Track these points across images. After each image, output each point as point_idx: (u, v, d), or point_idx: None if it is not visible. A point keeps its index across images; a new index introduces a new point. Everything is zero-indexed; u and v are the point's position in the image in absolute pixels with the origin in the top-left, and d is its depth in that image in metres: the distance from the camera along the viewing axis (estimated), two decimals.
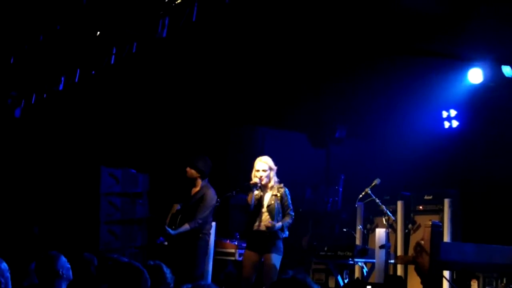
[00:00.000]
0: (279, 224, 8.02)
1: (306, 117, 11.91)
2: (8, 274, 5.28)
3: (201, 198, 8.62)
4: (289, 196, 8.20)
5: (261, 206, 8.18)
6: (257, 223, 8.16)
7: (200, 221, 8.50)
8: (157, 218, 9.71)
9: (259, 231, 8.12)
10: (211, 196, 8.64)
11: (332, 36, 9.16)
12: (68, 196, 10.24)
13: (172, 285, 5.28)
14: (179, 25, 7.41)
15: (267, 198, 8.19)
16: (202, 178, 8.74)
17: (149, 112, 11.07)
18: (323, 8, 8.51)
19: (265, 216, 8.15)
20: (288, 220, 8.13)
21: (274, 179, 8.24)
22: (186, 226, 8.48)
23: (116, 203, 10.14)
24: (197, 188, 8.74)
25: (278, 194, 8.14)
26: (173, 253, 8.75)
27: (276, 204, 8.11)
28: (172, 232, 8.45)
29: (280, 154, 11.44)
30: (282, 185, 8.23)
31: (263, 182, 8.17)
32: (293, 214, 8.19)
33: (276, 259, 8.02)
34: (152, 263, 5.36)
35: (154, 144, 11.08)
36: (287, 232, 8.14)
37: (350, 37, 9.16)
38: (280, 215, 8.14)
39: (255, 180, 8.14)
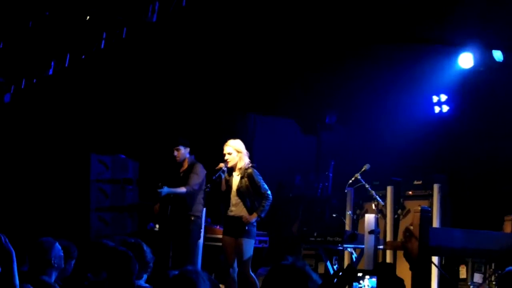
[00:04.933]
0: (253, 218, 8.05)
1: (297, 103, 11.90)
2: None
3: (190, 169, 8.72)
4: (259, 176, 8.18)
5: (230, 189, 8.22)
6: (229, 208, 8.21)
7: (195, 187, 8.62)
8: (147, 204, 9.73)
9: (232, 217, 8.17)
10: (200, 167, 8.82)
11: (322, 23, 9.13)
12: (57, 183, 10.21)
13: (151, 264, 5.26)
14: (169, 10, 7.39)
15: (236, 181, 8.21)
16: (190, 153, 8.84)
17: (139, 98, 11.04)
18: None
19: (236, 200, 8.18)
20: (264, 203, 8.12)
21: (244, 161, 8.24)
22: (182, 189, 8.57)
23: (106, 190, 10.13)
24: (185, 167, 8.85)
25: (245, 175, 8.16)
26: (164, 239, 8.79)
27: (245, 187, 8.14)
28: (164, 190, 8.47)
29: (271, 140, 11.50)
30: (250, 166, 8.23)
31: (228, 165, 8.20)
32: (269, 193, 8.17)
33: (248, 243, 8.08)
34: (132, 240, 5.35)
35: (144, 130, 11.05)
36: (263, 214, 8.16)
37: (340, 24, 9.14)
38: (253, 197, 8.14)
39: (220, 165, 8.17)
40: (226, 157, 8.21)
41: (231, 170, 8.25)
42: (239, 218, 8.10)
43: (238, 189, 8.17)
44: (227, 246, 8.21)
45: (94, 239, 9.41)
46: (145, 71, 10.62)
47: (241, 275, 8.11)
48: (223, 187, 8.27)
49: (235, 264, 8.18)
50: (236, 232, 8.11)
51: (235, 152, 8.21)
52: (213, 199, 9.34)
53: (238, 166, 8.23)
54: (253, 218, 8.06)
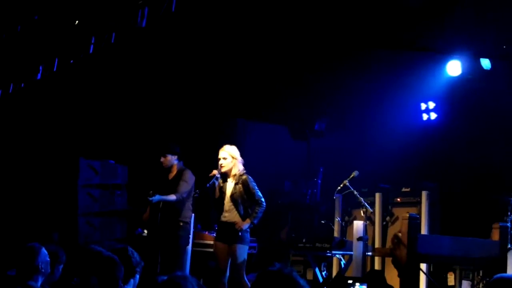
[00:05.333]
0: (246, 224, 8.05)
1: (287, 109, 11.91)
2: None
3: (179, 176, 8.73)
4: (253, 183, 8.17)
5: (223, 196, 8.21)
6: (222, 214, 8.20)
7: (184, 195, 8.65)
8: (136, 209, 9.70)
9: (225, 222, 8.16)
10: (189, 174, 8.84)
11: (312, 30, 9.15)
12: (46, 187, 10.17)
13: (137, 269, 5.22)
14: (158, 15, 7.39)
15: (229, 188, 8.21)
16: (178, 159, 8.89)
17: (129, 103, 11.01)
18: (301, 3, 8.51)
19: (229, 206, 8.17)
20: (258, 210, 8.11)
21: (238, 168, 8.22)
22: (172, 197, 8.59)
23: (95, 195, 10.10)
24: (174, 173, 8.85)
25: (240, 182, 8.15)
26: (153, 244, 8.78)
27: (239, 193, 8.13)
28: (155, 198, 8.47)
29: (261, 146, 11.50)
30: (244, 172, 8.23)
31: (222, 170, 8.19)
32: (262, 200, 8.16)
33: (242, 249, 8.06)
34: (119, 246, 5.32)
35: (133, 135, 11.03)
36: (256, 221, 8.15)
37: (330, 31, 9.15)
38: (246, 203, 8.14)
39: (213, 172, 8.17)
40: (220, 162, 8.19)
41: (224, 176, 8.24)
42: (232, 224, 8.08)
43: (231, 195, 8.15)
44: (219, 251, 8.19)
45: (83, 244, 9.38)
46: (135, 76, 10.60)
47: (235, 281, 8.12)
48: (217, 194, 8.26)
49: (227, 270, 8.17)
50: (229, 238, 8.09)
51: (230, 158, 8.20)
52: (203, 205, 9.32)
53: (233, 172, 8.21)
54: (246, 224, 8.05)
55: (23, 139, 10.44)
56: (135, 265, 5.19)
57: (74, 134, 10.63)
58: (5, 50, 8.56)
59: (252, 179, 8.20)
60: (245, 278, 8.06)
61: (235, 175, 8.20)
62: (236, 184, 8.17)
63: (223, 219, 8.20)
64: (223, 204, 8.20)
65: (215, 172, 8.17)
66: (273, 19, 8.89)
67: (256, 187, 8.17)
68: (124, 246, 5.31)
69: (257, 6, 8.58)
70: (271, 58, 10.20)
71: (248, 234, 8.16)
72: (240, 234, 8.02)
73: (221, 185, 8.23)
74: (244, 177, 8.17)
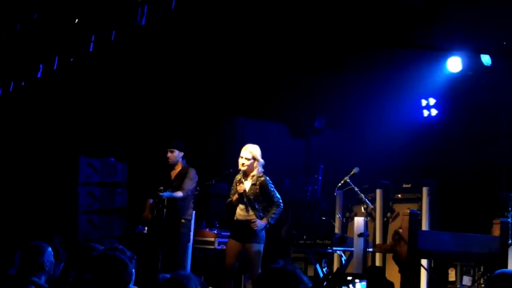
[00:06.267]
0: (263, 223, 8.05)
1: (286, 107, 11.91)
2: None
3: (184, 174, 8.76)
4: (271, 185, 8.19)
5: (240, 194, 8.21)
6: (238, 212, 8.20)
7: (189, 192, 8.73)
8: (136, 207, 9.71)
9: (240, 221, 8.15)
10: (194, 173, 8.91)
11: (311, 27, 9.14)
12: (46, 185, 10.18)
13: (131, 264, 5.19)
14: (158, 13, 7.38)
15: (247, 187, 8.21)
16: (183, 157, 8.95)
17: (129, 101, 11.02)
18: (300, 1, 8.51)
19: (244, 205, 8.16)
20: (275, 210, 8.13)
21: (258, 169, 8.23)
22: (179, 193, 8.67)
23: (95, 193, 10.11)
24: (177, 170, 8.89)
25: (257, 183, 8.15)
26: (154, 242, 8.79)
27: (255, 193, 8.13)
28: (165, 194, 8.57)
29: (260, 144, 11.48)
30: (262, 174, 8.23)
31: (243, 169, 8.20)
32: (281, 201, 8.21)
33: (258, 247, 8.07)
34: (108, 245, 5.33)
35: (133, 133, 11.03)
36: (273, 221, 8.16)
37: (329, 29, 9.15)
38: (262, 204, 8.14)
39: (240, 187, 8.15)
40: (242, 161, 8.19)
41: (243, 174, 8.25)
42: (246, 223, 8.08)
43: (247, 195, 8.16)
44: (231, 249, 8.19)
45: (82, 241, 9.40)
46: (134, 74, 10.60)
47: (251, 279, 8.17)
48: (235, 198, 8.25)
49: (234, 268, 8.18)
50: (244, 236, 8.10)
51: (253, 158, 8.20)
52: (202, 203, 9.34)
53: (252, 173, 8.22)
54: (263, 223, 8.06)
55: (24, 137, 10.45)
56: (127, 261, 5.20)
57: (74, 132, 10.63)
58: (5, 48, 8.55)
59: (270, 181, 8.21)
60: None
61: (253, 175, 8.20)
62: (253, 184, 8.17)
63: (238, 217, 8.20)
64: (239, 203, 8.21)
65: (242, 187, 8.16)
66: (272, 17, 8.89)
67: (274, 189, 8.21)
68: (112, 245, 5.34)
69: (256, 4, 8.57)
70: (270, 56, 10.19)
71: (264, 232, 8.15)
72: (256, 232, 8.04)
73: (239, 183, 8.24)
74: (262, 178, 8.19)
